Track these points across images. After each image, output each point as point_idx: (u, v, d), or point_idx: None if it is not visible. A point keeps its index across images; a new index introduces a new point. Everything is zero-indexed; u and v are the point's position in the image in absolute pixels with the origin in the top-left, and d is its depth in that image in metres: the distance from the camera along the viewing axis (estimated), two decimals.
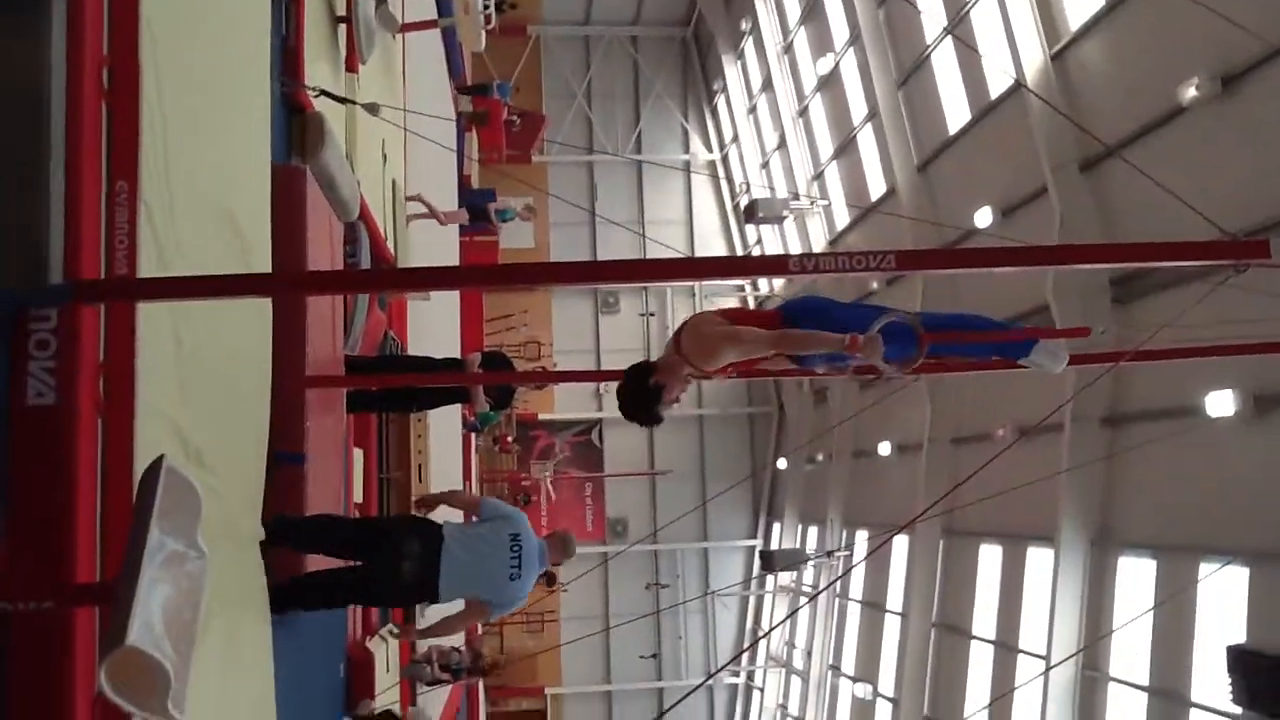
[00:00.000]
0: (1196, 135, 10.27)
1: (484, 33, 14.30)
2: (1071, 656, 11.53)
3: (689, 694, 3.89)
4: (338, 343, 6.32)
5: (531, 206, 13.06)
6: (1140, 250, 4.19)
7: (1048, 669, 11.59)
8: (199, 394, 3.73)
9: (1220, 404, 9.88)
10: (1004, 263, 3.28)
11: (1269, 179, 9.43)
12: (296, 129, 6.20)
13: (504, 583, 5.15)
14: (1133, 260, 4.48)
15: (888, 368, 4.08)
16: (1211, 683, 9.81)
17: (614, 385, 4.36)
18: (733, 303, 24.81)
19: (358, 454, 7.74)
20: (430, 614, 7.52)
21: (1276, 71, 9.08)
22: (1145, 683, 11.03)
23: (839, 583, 20.48)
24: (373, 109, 7.47)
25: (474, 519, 5.40)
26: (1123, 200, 11.60)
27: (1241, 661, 8.82)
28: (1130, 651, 11.36)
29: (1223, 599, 10.07)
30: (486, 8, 14.15)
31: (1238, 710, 9.22)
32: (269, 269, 4.63)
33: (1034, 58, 12.44)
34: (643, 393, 4.21)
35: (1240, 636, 9.46)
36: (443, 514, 5.93)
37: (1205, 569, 10.02)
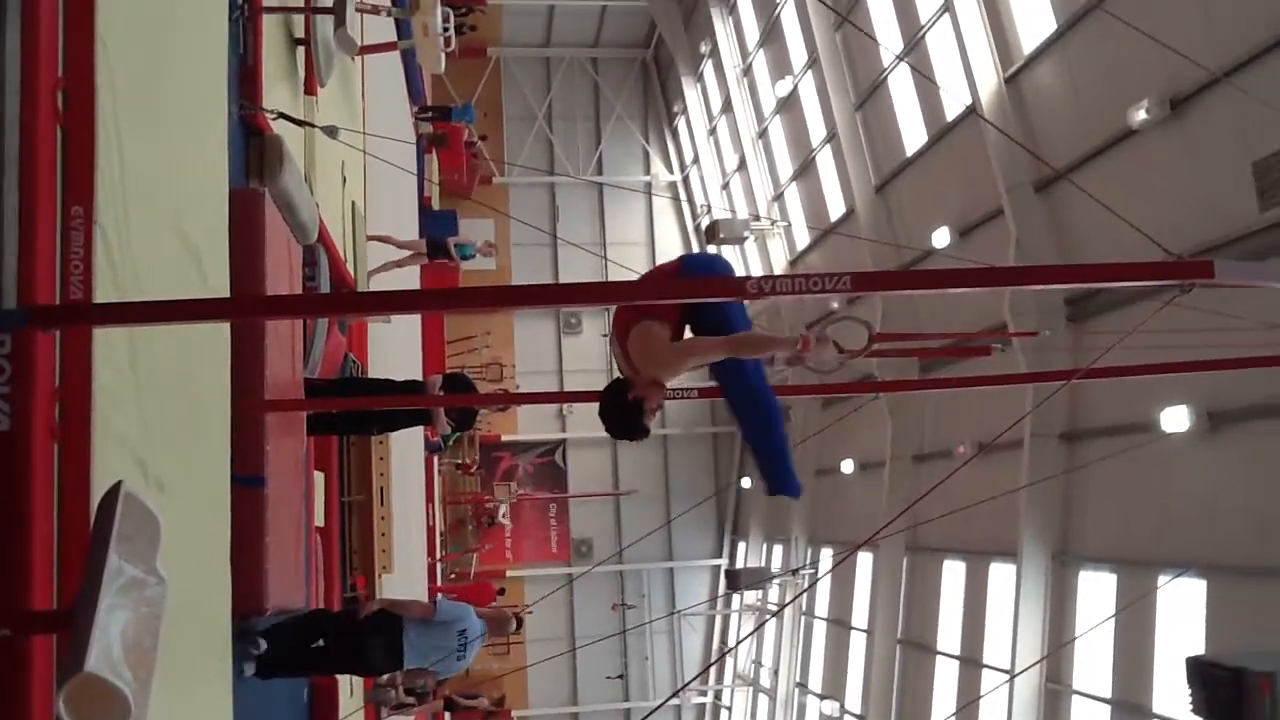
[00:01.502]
0: (1146, 157, 10.46)
1: (443, 55, 14.31)
2: (1033, 665, 11.62)
3: (653, 711, 3.88)
4: (297, 365, 6.28)
5: (492, 243, 13.03)
6: (1090, 271, 4.25)
7: (1011, 680, 11.68)
8: (157, 419, 3.69)
9: (1175, 420, 10.03)
10: (957, 284, 3.31)
11: (1214, 200, 9.62)
12: (255, 152, 6.18)
13: (452, 664, 6.48)
14: (1083, 281, 4.54)
15: (832, 360, 4.17)
16: (1172, 694, 9.92)
17: (576, 406, 4.38)
18: None
19: (319, 477, 7.69)
20: None
21: (1221, 96, 9.28)
22: (1108, 695, 11.14)
23: (804, 600, 20.53)
24: (331, 132, 7.46)
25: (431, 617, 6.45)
26: (1077, 220, 11.78)
27: (1200, 672, 8.89)
28: (1093, 664, 11.48)
29: (1182, 612, 10.20)
30: (446, 30, 14.16)
31: None
32: (227, 293, 4.61)
33: (988, 80, 12.62)
34: (624, 409, 4.25)
35: (1199, 648, 9.59)
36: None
37: (1163, 581, 10.16)
